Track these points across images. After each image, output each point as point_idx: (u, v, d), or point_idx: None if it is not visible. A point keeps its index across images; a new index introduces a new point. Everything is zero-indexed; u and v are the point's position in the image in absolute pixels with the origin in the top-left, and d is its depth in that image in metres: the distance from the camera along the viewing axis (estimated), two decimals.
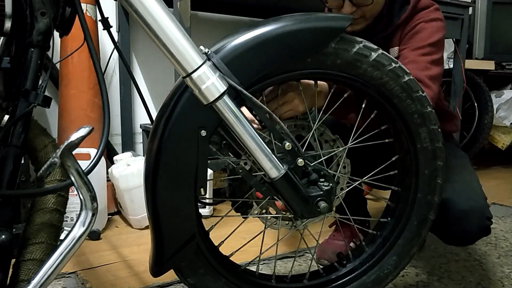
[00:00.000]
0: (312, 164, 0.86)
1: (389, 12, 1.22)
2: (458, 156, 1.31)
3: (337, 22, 0.83)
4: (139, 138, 2.39)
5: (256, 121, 0.92)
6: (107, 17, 0.96)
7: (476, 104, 2.95)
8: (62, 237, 0.71)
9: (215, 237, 0.91)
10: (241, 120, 0.77)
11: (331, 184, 0.87)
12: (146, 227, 1.72)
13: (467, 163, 1.29)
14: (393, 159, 0.99)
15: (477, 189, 1.16)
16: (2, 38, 0.71)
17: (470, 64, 2.79)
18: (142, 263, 1.38)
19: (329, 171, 0.89)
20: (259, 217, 0.95)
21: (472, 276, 1.32)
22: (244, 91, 0.76)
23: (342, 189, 0.96)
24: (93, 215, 0.69)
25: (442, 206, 1.01)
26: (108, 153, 2.10)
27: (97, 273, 1.31)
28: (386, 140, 0.98)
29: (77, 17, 0.75)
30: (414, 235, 0.98)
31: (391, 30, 1.22)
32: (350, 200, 0.98)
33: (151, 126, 0.82)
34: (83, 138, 0.64)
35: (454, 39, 2.49)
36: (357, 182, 0.96)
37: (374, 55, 0.86)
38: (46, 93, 0.74)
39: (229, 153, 0.87)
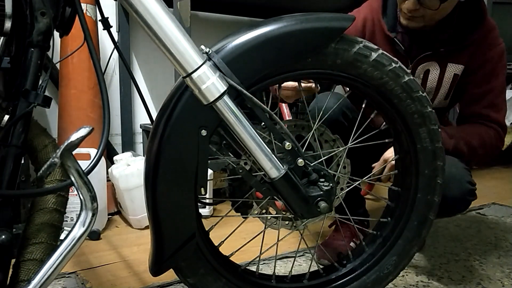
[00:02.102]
0: (312, 164, 0.86)
1: (458, 25, 1.25)
2: None
3: (338, 22, 0.83)
4: (139, 138, 2.39)
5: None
6: (107, 17, 0.96)
7: None
8: (62, 237, 0.71)
9: (215, 237, 0.91)
10: (241, 120, 0.77)
11: (331, 184, 0.87)
12: (146, 227, 1.72)
13: None
14: (393, 159, 0.99)
15: (456, 160, 1.19)
16: (2, 38, 0.71)
17: None
18: (142, 263, 1.38)
19: (329, 171, 0.89)
20: (259, 217, 0.95)
21: (472, 276, 1.32)
22: (245, 91, 0.76)
23: (342, 189, 0.96)
24: (93, 215, 0.69)
25: None
26: (108, 153, 2.10)
27: (97, 273, 1.31)
28: (386, 140, 0.98)
29: (77, 17, 0.75)
30: (414, 235, 0.98)
31: (462, 45, 1.25)
32: (348, 199, 0.98)
33: (151, 126, 0.82)
34: (83, 138, 0.64)
35: None
36: (357, 182, 0.96)
37: (374, 55, 0.86)
38: (46, 93, 0.74)
39: (229, 153, 0.87)
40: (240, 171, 0.84)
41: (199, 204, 0.84)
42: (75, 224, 0.69)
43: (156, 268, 0.83)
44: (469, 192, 1.18)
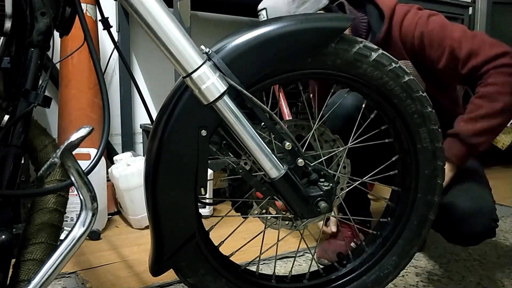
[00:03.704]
0: (312, 164, 0.86)
1: (369, 29, 1.21)
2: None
3: (338, 22, 0.83)
4: (139, 138, 2.39)
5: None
6: (107, 17, 0.96)
7: None
8: (62, 237, 0.71)
9: (215, 237, 0.91)
10: (241, 120, 0.77)
11: (331, 184, 0.87)
12: (146, 227, 1.72)
13: (478, 166, 1.27)
14: (393, 159, 0.99)
15: (486, 191, 1.16)
16: (2, 38, 0.71)
17: None
18: (142, 263, 1.38)
19: (329, 171, 0.89)
20: (259, 217, 0.95)
21: (472, 276, 1.31)
22: (245, 91, 0.76)
23: (342, 189, 0.96)
24: (93, 215, 0.69)
25: (449, 204, 1.00)
26: (108, 153, 2.10)
27: (97, 273, 1.31)
28: (386, 140, 0.98)
29: (77, 17, 0.75)
30: (414, 235, 0.98)
31: (384, 44, 1.18)
32: (353, 200, 0.98)
33: (151, 126, 0.82)
34: (83, 138, 0.64)
35: None
36: (357, 182, 0.96)
37: (374, 55, 0.86)
38: (46, 93, 0.74)
39: (229, 153, 0.87)
40: (240, 171, 0.84)
41: (199, 204, 0.85)
42: (75, 224, 0.69)
43: (156, 268, 0.83)
44: (490, 231, 1.12)
